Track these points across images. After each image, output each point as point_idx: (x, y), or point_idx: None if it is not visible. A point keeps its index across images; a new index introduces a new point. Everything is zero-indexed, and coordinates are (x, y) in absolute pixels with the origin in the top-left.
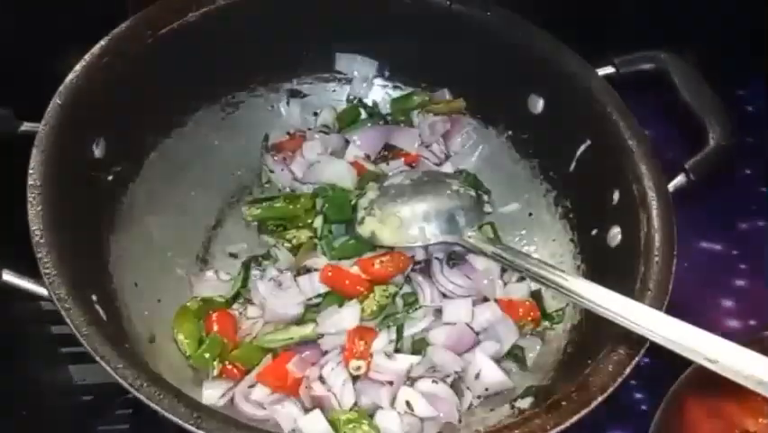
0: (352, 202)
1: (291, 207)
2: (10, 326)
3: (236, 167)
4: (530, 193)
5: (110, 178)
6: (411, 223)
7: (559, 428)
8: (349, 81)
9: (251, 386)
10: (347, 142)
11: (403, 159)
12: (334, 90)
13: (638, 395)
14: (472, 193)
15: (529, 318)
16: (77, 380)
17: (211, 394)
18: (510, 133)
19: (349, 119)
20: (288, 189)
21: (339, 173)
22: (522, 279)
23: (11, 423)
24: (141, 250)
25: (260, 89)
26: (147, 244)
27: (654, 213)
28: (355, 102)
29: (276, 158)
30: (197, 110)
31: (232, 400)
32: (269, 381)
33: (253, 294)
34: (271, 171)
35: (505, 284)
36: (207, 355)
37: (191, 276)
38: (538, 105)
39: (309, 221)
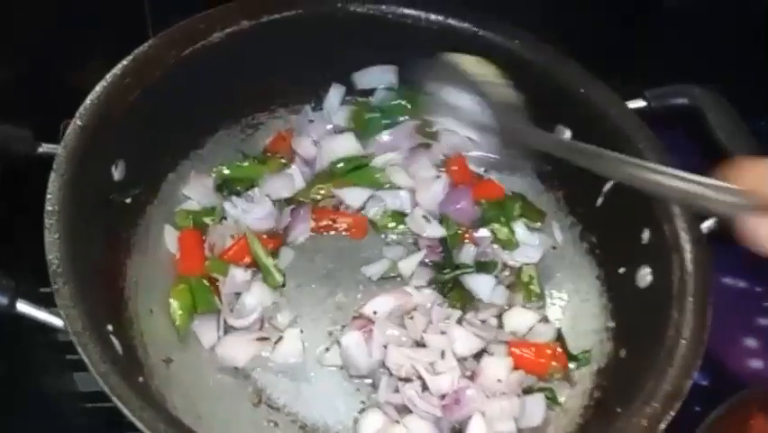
0: None
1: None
2: (14, 332)
3: None
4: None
5: (128, 201)
6: None
7: None
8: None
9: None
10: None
11: None
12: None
13: None
14: None
15: (555, 364)
16: (81, 388)
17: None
18: (535, 163)
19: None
20: None
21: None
22: (546, 320)
23: (11, 427)
24: (156, 274)
25: (281, 111)
26: (163, 268)
27: (688, 256)
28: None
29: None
30: (217, 131)
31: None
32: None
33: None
34: None
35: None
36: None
37: None
38: (565, 135)
39: None
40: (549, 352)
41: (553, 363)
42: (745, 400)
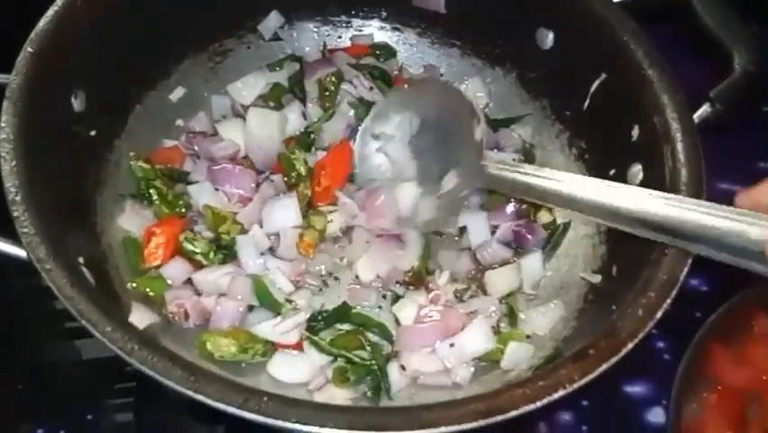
0: None
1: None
2: (12, 301)
3: None
4: (542, 135)
5: (92, 133)
6: None
7: (587, 379)
8: (342, 24)
9: None
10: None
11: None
12: (328, 35)
13: (660, 344)
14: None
15: None
16: (84, 355)
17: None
18: (518, 72)
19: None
20: None
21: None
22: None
23: (12, 396)
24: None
25: (250, 36)
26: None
27: (679, 145)
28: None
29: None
30: (183, 60)
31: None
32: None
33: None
34: None
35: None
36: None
37: None
38: (548, 39)
39: None
40: None
41: None
42: (746, 300)
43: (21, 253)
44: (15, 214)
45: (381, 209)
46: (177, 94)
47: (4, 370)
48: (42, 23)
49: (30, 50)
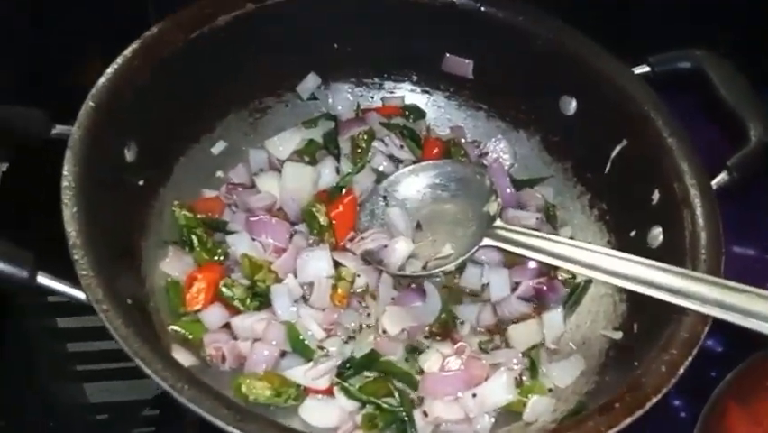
0: None
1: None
2: (25, 342)
3: None
4: (563, 196)
5: (141, 182)
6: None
7: (613, 431)
8: (375, 86)
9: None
10: None
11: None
12: (362, 95)
13: (677, 402)
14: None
15: None
16: (91, 399)
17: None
18: (542, 135)
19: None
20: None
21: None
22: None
23: None
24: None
25: (288, 95)
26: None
27: (699, 211)
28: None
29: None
30: (226, 115)
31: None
32: None
33: None
34: None
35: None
36: None
37: None
38: (571, 106)
39: None
40: None
41: None
42: (762, 360)
43: (79, 293)
44: (75, 257)
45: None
46: (218, 147)
47: (16, 413)
48: (102, 80)
49: (91, 104)
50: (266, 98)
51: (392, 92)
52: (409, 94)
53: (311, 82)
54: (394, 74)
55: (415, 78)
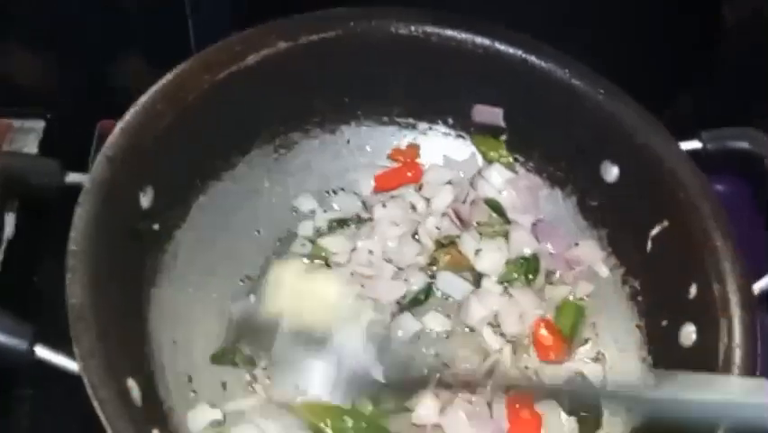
0: None
1: None
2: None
3: (286, 211)
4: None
5: (156, 227)
6: None
7: None
8: (408, 126)
9: None
10: None
11: None
12: (393, 135)
13: None
14: None
15: None
16: None
17: None
18: (578, 197)
19: None
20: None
21: None
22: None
23: None
24: (182, 302)
25: (316, 131)
26: (189, 295)
27: (737, 322)
28: None
29: None
30: (249, 151)
31: None
32: None
33: None
34: None
35: None
36: None
37: None
38: (612, 173)
39: None
40: None
41: None
42: None
43: (77, 367)
44: (74, 333)
45: None
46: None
47: None
48: (120, 126)
49: (107, 154)
50: (291, 133)
51: (425, 134)
52: (442, 137)
53: None
54: (428, 116)
55: (450, 121)
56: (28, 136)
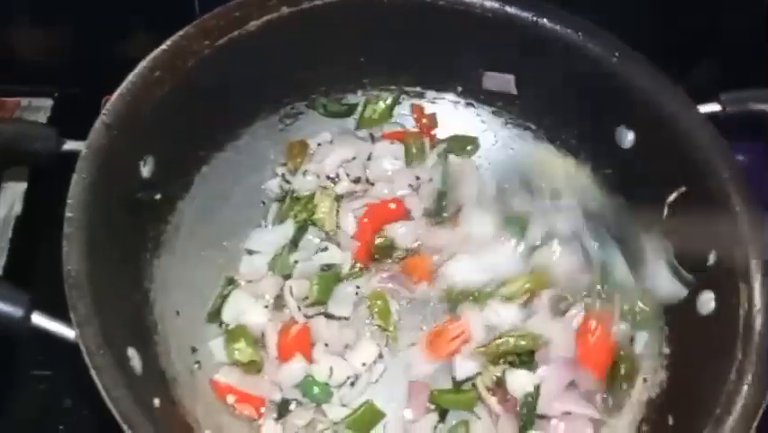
0: None
1: None
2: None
3: None
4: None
5: (157, 197)
6: None
7: None
8: (412, 95)
9: None
10: None
11: None
12: (399, 103)
13: None
14: None
15: None
16: None
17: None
18: (592, 165)
19: None
20: None
21: None
22: None
23: None
24: (185, 273)
25: (322, 100)
26: (192, 266)
27: (758, 289)
28: None
29: None
30: (254, 122)
31: None
32: None
33: None
34: None
35: None
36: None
37: None
38: (627, 138)
39: None
40: None
41: None
42: None
43: (72, 334)
44: (71, 301)
45: None
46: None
47: None
48: (118, 92)
49: (105, 121)
50: (297, 103)
51: (433, 102)
52: (451, 106)
53: None
54: (437, 84)
55: (459, 89)
56: (36, 114)
